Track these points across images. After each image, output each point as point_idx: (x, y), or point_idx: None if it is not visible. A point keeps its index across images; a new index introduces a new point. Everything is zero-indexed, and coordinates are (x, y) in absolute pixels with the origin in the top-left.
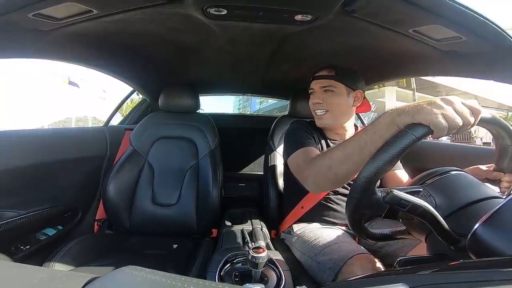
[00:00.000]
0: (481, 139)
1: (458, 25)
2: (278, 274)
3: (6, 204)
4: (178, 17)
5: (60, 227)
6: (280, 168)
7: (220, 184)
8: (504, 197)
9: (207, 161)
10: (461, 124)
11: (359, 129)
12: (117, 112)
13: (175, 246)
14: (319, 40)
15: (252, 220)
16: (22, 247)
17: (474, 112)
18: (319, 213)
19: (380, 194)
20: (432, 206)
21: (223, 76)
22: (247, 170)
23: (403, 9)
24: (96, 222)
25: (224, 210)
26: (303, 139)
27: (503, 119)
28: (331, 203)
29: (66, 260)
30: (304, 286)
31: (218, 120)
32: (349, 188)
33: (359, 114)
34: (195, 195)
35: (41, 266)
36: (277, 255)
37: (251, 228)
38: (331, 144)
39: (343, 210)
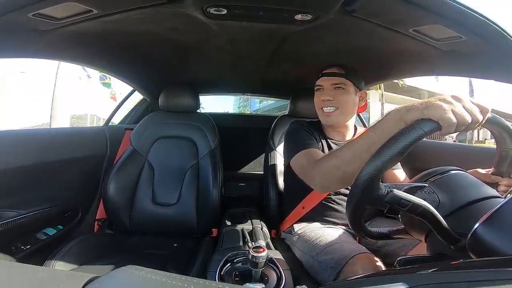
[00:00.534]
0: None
1: (459, 24)
2: (278, 274)
3: (6, 204)
4: (178, 16)
5: (60, 227)
6: (280, 168)
7: (220, 184)
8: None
9: (207, 161)
10: (469, 121)
11: (358, 129)
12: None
13: (175, 245)
14: (319, 40)
15: (252, 220)
16: (22, 247)
17: (482, 110)
18: (320, 213)
19: (383, 188)
20: (435, 204)
21: (223, 75)
22: (247, 169)
23: (403, 8)
24: (96, 222)
25: (224, 209)
26: (305, 140)
27: None
28: (332, 203)
29: (67, 260)
30: (304, 286)
31: (218, 120)
32: (350, 188)
33: (359, 114)
34: (195, 194)
35: (42, 266)
36: (277, 255)
37: (251, 228)
38: (331, 144)
39: (344, 210)
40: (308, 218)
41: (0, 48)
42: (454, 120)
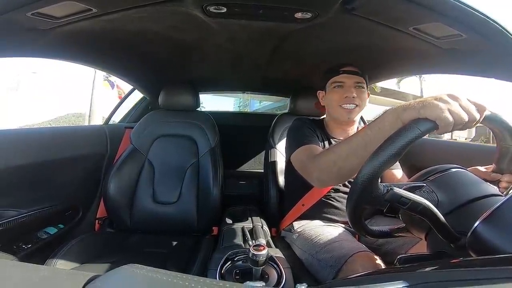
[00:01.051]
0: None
1: (459, 23)
2: (279, 272)
3: (7, 203)
4: (177, 15)
5: (61, 226)
6: (280, 166)
7: (220, 182)
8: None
9: (208, 159)
10: (466, 119)
11: (360, 126)
12: None
13: (175, 244)
14: (319, 38)
15: (253, 218)
16: (23, 246)
17: (479, 108)
18: (320, 211)
19: (382, 188)
20: (434, 203)
21: (223, 74)
22: (247, 168)
23: (403, 7)
24: (97, 221)
25: (224, 208)
26: (306, 136)
27: None
28: (332, 201)
29: (68, 259)
30: (304, 284)
31: (218, 118)
32: (350, 186)
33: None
34: (196, 193)
35: (43, 265)
36: (277, 253)
37: (251, 226)
38: (333, 142)
39: (344, 208)
40: (308, 215)
41: None
42: (451, 119)
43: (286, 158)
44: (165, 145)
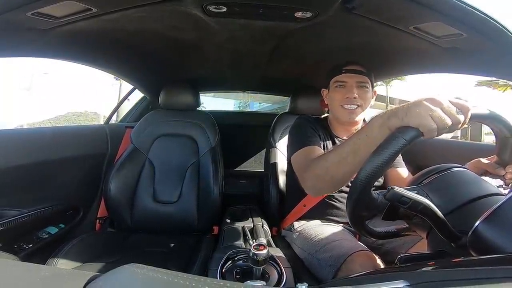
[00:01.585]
0: None
1: (459, 22)
2: (279, 271)
3: (8, 203)
4: (177, 14)
5: (62, 226)
6: (280, 165)
7: (221, 182)
8: (505, 193)
9: (208, 159)
10: (450, 123)
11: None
12: None
13: (176, 243)
14: (320, 37)
15: (253, 217)
16: (24, 246)
17: (463, 110)
18: (322, 211)
19: (376, 196)
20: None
21: (223, 73)
22: (247, 167)
23: (403, 6)
24: (97, 220)
25: (225, 207)
26: (308, 137)
27: None
28: (334, 201)
29: (69, 258)
30: (305, 283)
31: (219, 118)
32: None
33: None
34: (196, 192)
35: (44, 264)
36: (278, 252)
37: (252, 225)
38: (337, 142)
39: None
40: (309, 215)
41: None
42: (434, 125)
43: (287, 158)
44: (165, 144)
